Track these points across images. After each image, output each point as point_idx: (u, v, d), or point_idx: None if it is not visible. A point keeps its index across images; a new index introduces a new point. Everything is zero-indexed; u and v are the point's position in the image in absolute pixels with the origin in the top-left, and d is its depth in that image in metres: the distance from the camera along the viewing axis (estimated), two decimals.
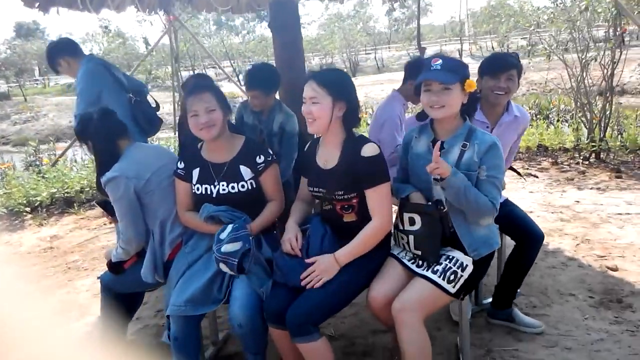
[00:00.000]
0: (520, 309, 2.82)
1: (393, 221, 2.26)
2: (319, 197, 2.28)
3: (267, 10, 4.24)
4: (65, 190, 6.06)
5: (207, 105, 2.30)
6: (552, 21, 6.04)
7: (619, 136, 6.07)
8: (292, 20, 3.87)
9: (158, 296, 3.38)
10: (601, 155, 5.85)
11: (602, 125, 5.83)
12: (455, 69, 2.09)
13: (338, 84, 2.14)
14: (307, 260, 2.12)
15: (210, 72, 23.46)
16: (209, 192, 2.38)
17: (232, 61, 24.21)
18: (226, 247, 2.15)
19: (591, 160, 5.84)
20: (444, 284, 2.06)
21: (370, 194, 2.13)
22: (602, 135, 5.83)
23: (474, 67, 2.46)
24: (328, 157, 2.23)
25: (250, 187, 2.38)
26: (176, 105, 8.22)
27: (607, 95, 5.79)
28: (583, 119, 6.07)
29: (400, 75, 3.37)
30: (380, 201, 2.13)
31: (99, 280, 2.67)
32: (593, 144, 5.81)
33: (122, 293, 2.65)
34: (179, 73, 7.61)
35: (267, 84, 3.23)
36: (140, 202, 2.41)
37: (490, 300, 2.86)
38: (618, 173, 5.31)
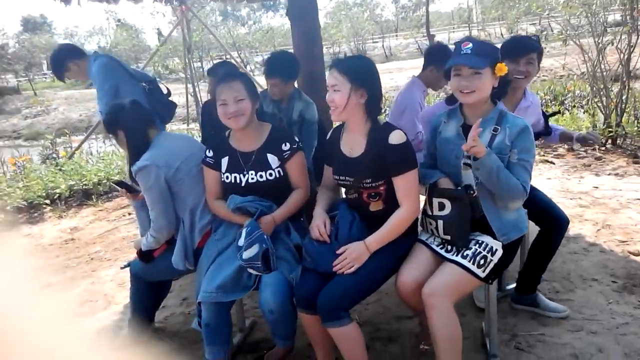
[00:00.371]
0: (543, 295, 2.83)
1: (421, 207, 2.28)
2: (344, 185, 2.30)
3: None
4: (83, 183, 6.13)
5: (236, 94, 2.32)
6: (567, 5, 5.97)
7: (636, 121, 6.02)
8: (310, 9, 3.87)
9: (182, 284, 3.43)
10: (617, 141, 5.81)
11: (619, 110, 5.78)
12: (485, 53, 2.08)
13: (359, 71, 2.14)
14: (338, 251, 2.14)
15: None
16: (237, 181, 2.41)
17: (239, 52, 24.14)
18: (246, 254, 2.18)
19: (608, 146, 5.81)
20: (474, 268, 2.07)
21: (398, 181, 2.15)
22: (618, 121, 5.79)
23: None
24: (353, 145, 2.24)
25: (277, 175, 2.41)
26: (189, 96, 8.24)
27: (624, 79, 5.73)
28: (599, 104, 6.03)
29: (409, 63, 3.40)
30: (408, 188, 2.15)
31: (127, 268, 2.72)
32: (610, 129, 5.77)
33: (151, 281, 2.70)
34: (192, 64, 7.62)
35: (286, 72, 3.24)
36: (170, 190, 2.45)
37: (513, 285, 2.88)
38: (636, 158, 5.28)
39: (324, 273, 2.17)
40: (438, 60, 3.12)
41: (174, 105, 3.79)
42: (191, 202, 2.49)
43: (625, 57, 5.62)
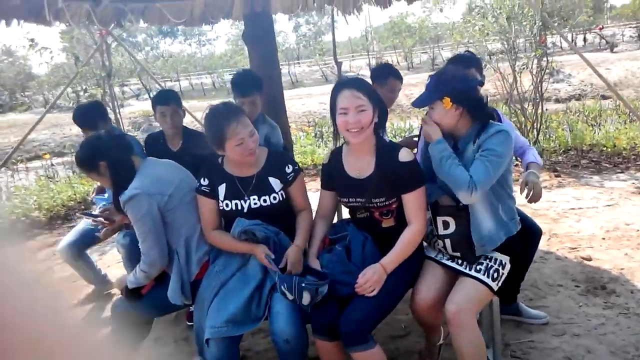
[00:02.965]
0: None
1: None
2: (354, 207, 2.28)
3: (242, 21, 4.17)
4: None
5: (250, 128, 2.23)
6: (484, 33, 6.47)
7: (550, 138, 6.60)
8: (267, 32, 3.84)
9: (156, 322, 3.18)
10: None
11: (536, 128, 6.31)
12: (432, 89, 2.17)
13: (372, 90, 2.17)
14: (359, 277, 2.09)
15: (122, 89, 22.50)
16: (239, 208, 2.30)
17: (141, 78, 23.23)
18: (304, 302, 2.07)
19: None
20: (489, 282, 2.13)
21: (408, 198, 2.16)
22: (535, 139, 6.31)
23: None
24: (361, 166, 2.22)
25: (281, 198, 2.33)
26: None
27: (537, 100, 6.28)
28: (517, 124, 6.53)
29: (317, 89, 3.53)
30: (418, 205, 2.17)
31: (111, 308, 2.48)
32: None
33: (135, 321, 2.47)
34: (112, 90, 7.21)
35: (260, 86, 3.17)
36: (163, 220, 2.28)
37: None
38: (556, 172, 5.77)
39: (340, 297, 2.12)
40: (379, 79, 3.22)
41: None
42: (186, 232, 2.34)
43: (538, 79, 6.18)
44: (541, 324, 2.84)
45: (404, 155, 2.15)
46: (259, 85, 3.14)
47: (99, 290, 3.71)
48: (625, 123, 6.90)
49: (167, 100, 3.21)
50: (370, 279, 2.07)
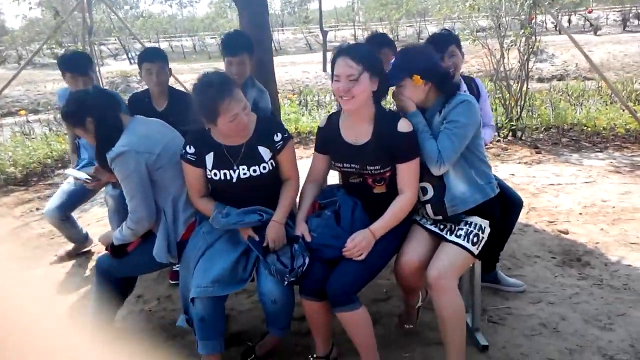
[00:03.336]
0: None
1: None
2: (347, 172, 2.28)
3: None
4: None
5: (243, 103, 2.16)
6: (474, 8, 6.45)
7: (533, 116, 6.67)
8: None
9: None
10: (518, 134, 6.39)
11: (519, 106, 6.36)
12: (401, 67, 2.19)
13: (371, 59, 2.13)
14: (347, 241, 2.12)
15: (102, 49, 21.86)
16: (228, 178, 2.27)
17: (119, 38, 22.64)
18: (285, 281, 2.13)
19: (509, 138, 6.37)
20: (469, 246, 2.17)
21: (403, 168, 2.16)
22: (519, 115, 6.37)
23: None
24: (358, 132, 2.22)
25: (271, 167, 2.30)
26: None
27: (523, 78, 6.32)
28: (501, 100, 6.58)
29: (300, 57, 3.51)
30: (412, 175, 2.17)
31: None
32: (512, 123, 6.33)
33: (119, 278, 2.47)
34: (93, 48, 7.01)
35: (251, 46, 3.10)
36: (151, 178, 2.25)
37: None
38: (537, 149, 5.87)
39: (327, 260, 2.15)
40: (373, 47, 3.19)
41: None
42: (173, 191, 2.32)
43: (525, 57, 6.20)
44: (518, 291, 2.92)
45: (403, 125, 2.14)
46: (249, 46, 3.08)
47: (78, 247, 3.68)
48: (606, 104, 7.01)
49: (153, 57, 3.13)
50: (359, 244, 2.10)
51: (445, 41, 2.78)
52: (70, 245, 3.67)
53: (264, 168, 2.28)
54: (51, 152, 6.25)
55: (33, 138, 6.86)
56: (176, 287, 3.09)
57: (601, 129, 6.21)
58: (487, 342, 2.43)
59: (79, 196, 3.38)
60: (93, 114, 2.22)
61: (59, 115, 9.06)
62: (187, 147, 2.28)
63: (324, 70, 16.36)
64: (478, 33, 6.67)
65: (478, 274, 2.46)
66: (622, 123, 6.18)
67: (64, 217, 3.33)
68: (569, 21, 25.09)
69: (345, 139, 2.25)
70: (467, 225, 2.22)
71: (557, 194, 4.44)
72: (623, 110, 6.39)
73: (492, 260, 2.95)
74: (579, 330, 2.55)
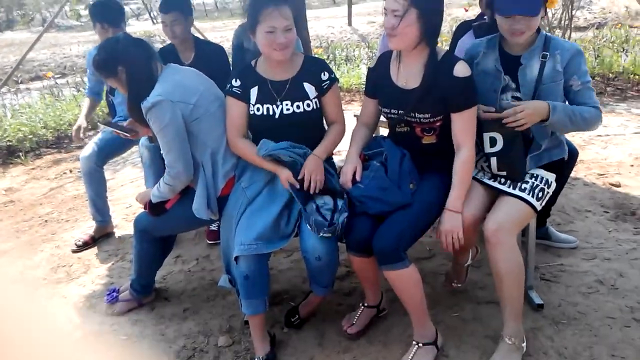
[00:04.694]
0: None
1: None
2: (395, 119, 2.13)
3: None
4: (7, 139, 5.38)
5: (286, 23, 2.04)
6: None
7: None
8: None
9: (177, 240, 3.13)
10: None
11: None
12: None
13: None
14: None
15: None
16: (271, 113, 2.17)
17: None
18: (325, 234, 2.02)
19: None
20: (533, 201, 2.02)
21: (458, 118, 1.99)
22: None
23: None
24: (409, 75, 2.05)
25: (315, 107, 2.20)
26: None
27: (566, 25, 5.97)
28: None
29: (324, 12, 3.30)
30: (468, 126, 2.00)
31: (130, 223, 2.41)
32: None
33: (159, 237, 2.41)
34: None
35: None
36: (188, 130, 2.15)
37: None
38: None
39: (374, 215, 2.03)
40: None
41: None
42: (212, 144, 2.21)
43: (568, 3, 5.83)
44: (571, 248, 2.78)
45: (460, 69, 1.96)
46: None
47: (99, 229, 3.32)
48: None
49: (167, 8, 2.98)
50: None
51: None
52: (91, 228, 3.39)
53: (308, 106, 2.19)
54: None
55: (62, 100, 6.82)
56: (214, 247, 3.05)
57: None
58: (542, 301, 2.31)
59: (115, 147, 3.27)
60: (125, 61, 2.12)
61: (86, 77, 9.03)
62: (233, 81, 2.21)
63: (349, 24, 15.87)
64: None
65: (533, 229, 2.31)
66: None
67: (99, 164, 3.21)
68: None
69: (394, 81, 2.09)
70: (534, 179, 2.07)
71: (606, 146, 4.20)
72: None
73: (544, 215, 2.79)
74: (638, 286, 2.40)
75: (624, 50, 6.78)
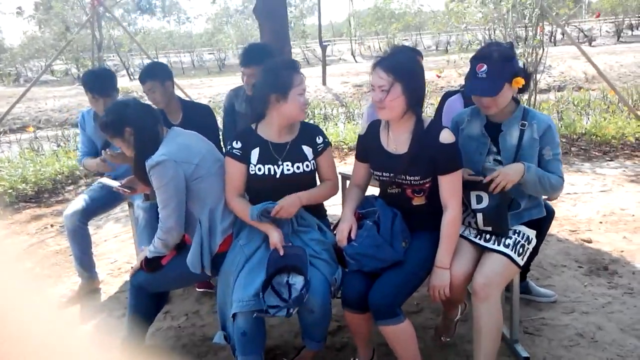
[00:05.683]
0: None
1: None
2: (386, 182, 2.26)
3: None
4: None
5: (305, 86, 2.26)
6: (485, 20, 6.50)
7: None
8: (279, 6, 3.76)
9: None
10: None
11: None
12: (501, 74, 2.13)
13: (406, 69, 2.09)
14: None
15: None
16: (272, 173, 2.29)
17: (119, 54, 22.67)
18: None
19: None
20: (515, 256, 2.16)
21: (445, 180, 2.13)
22: None
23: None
24: (398, 141, 2.20)
25: (312, 167, 2.36)
26: None
27: (532, 89, 6.35)
28: None
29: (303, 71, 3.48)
30: (454, 188, 2.14)
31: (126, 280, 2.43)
32: None
33: (154, 293, 2.44)
34: (101, 63, 7.01)
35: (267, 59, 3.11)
36: (188, 189, 2.24)
37: None
38: None
39: (368, 272, 2.12)
40: None
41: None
42: (211, 202, 2.30)
43: (534, 68, 6.24)
44: (550, 301, 2.90)
45: (445, 136, 2.12)
46: (263, 59, 3.09)
47: (85, 285, 3.32)
48: (612, 113, 7.04)
49: (143, 78, 3.12)
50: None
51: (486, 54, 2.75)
52: (76, 284, 3.36)
53: (307, 166, 2.34)
54: (61, 168, 6.21)
55: (42, 154, 6.82)
56: (203, 303, 3.07)
57: (610, 138, 6.23)
58: (528, 354, 2.40)
59: (101, 205, 3.31)
60: (133, 124, 2.24)
61: (67, 132, 9.06)
62: (234, 143, 2.33)
63: (324, 84, 16.40)
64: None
65: (517, 284, 2.43)
66: (631, 132, 6.21)
67: (83, 222, 3.23)
68: (562, 33, 25.31)
69: (385, 147, 2.24)
70: (516, 235, 2.22)
71: (575, 203, 4.43)
72: (631, 119, 6.43)
73: (524, 270, 2.93)
74: (616, 339, 2.52)
75: (586, 112, 7.22)
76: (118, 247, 4.16)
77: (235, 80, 20.79)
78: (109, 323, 2.97)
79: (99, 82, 3.15)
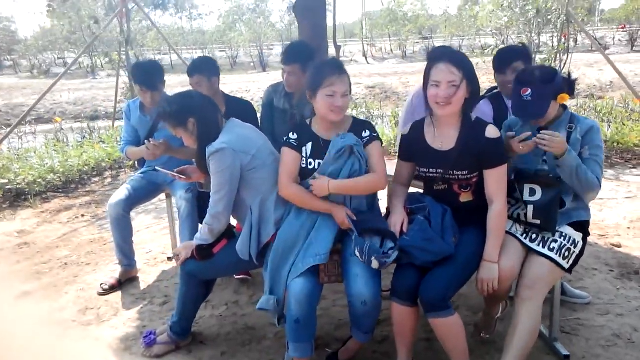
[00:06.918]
0: None
1: None
2: (433, 179, 2.32)
3: None
4: (17, 182, 5.42)
5: (345, 89, 2.28)
6: (511, 23, 6.55)
7: None
8: (319, 4, 3.83)
9: None
10: None
11: None
12: (546, 95, 2.18)
13: (470, 66, 2.18)
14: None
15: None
16: None
17: (132, 48, 22.77)
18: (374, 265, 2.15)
19: None
20: (560, 260, 2.20)
21: (490, 174, 2.20)
22: None
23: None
24: (445, 138, 2.27)
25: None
26: (119, 91, 7.67)
27: None
28: None
29: None
30: (499, 182, 2.20)
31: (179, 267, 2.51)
32: None
33: (204, 280, 2.52)
34: (129, 57, 7.10)
35: (306, 59, 3.17)
36: (244, 178, 2.34)
37: None
38: None
39: (420, 265, 2.18)
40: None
41: None
42: (263, 192, 2.37)
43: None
44: (584, 303, 2.95)
45: (491, 131, 2.19)
46: (303, 58, 3.15)
47: (124, 273, 3.42)
48: (633, 121, 7.07)
49: (191, 72, 3.22)
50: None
51: (512, 56, 2.79)
52: (115, 272, 3.47)
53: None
54: (88, 160, 6.30)
55: (67, 146, 6.92)
56: (241, 293, 3.14)
57: (632, 145, 6.26)
58: (568, 352, 2.45)
59: (143, 195, 3.41)
60: (196, 114, 2.33)
61: (92, 124, 9.16)
62: (291, 134, 2.40)
63: None
64: None
65: (559, 286, 2.49)
66: None
67: (127, 210, 3.30)
68: (575, 41, 25.27)
69: (430, 144, 2.30)
70: (562, 238, 2.26)
71: (601, 209, 4.48)
72: None
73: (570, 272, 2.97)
74: None
75: (607, 120, 7.25)
76: (152, 237, 4.24)
77: (247, 78, 20.91)
78: (152, 310, 3.05)
79: (148, 75, 3.22)
